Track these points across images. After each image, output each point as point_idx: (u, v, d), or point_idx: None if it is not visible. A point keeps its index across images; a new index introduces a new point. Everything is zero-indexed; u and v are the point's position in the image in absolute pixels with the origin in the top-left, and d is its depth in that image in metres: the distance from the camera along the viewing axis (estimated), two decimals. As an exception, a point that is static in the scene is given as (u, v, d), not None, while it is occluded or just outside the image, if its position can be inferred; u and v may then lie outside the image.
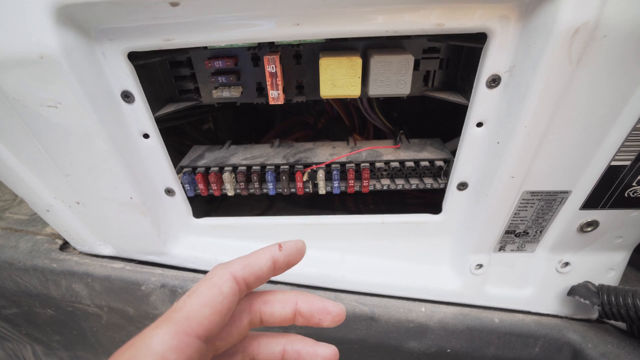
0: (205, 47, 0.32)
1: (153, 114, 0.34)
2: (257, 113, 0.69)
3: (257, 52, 0.33)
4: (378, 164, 0.38)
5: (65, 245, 0.44)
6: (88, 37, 0.28)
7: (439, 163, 0.37)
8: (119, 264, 0.41)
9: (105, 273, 0.40)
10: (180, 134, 0.57)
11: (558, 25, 0.23)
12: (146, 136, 0.35)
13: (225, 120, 0.67)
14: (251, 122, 0.70)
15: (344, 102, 0.51)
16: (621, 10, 0.22)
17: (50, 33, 0.25)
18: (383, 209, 0.57)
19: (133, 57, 0.30)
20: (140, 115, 0.33)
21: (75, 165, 0.33)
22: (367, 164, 0.38)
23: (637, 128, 0.28)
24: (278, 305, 0.24)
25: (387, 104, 0.58)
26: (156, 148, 0.35)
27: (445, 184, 0.38)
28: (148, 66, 0.34)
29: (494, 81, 0.29)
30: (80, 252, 0.43)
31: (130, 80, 0.30)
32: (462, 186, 0.36)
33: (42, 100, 0.28)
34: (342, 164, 0.38)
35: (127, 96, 0.31)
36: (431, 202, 0.48)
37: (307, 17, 0.26)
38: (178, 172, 0.39)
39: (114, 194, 0.36)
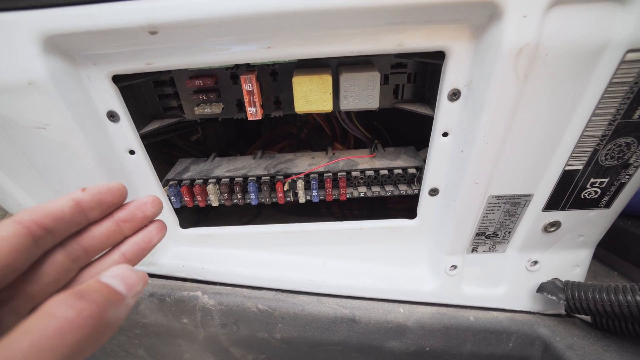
0: (186, 68, 0.34)
1: (138, 131, 0.36)
2: (245, 123, 0.71)
3: (236, 71, 0.35)
4: (354, 173, 0.40)
5: (55, 259, 0.45)
6: (73, 63, 0.29)
7: (412, 170, 0.40)
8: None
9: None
10: (170, 146, 0.58)
11: (503, 45, 0.26)
12: (132, 152, 0.36)
13: (215, 131, 0.69)
14: (239, 132, 0.72)
15: (324, 114, 0.53)
16: (557, 32, 0.25)
17: (38, 61, 0.27)
18: (366, 214, 0.59)
19: (117, 79, 0.32)
20: (126, 133, 0.35)
21: (64, 182, 0.35)
22: (344, 173, 0.40)
23: (584, 136, 0.30)
24: (95, 226, 0.24)
25: (369, 113, 0.60)
26: (142, 163, 0.37)
27: (419, 190, 0.40)
28: (132, 86, 0.35)
29: (455, 94, 0.31)
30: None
31: (115, 101, 0.32)
32: (434, 192, 0.39)
33: (30, 123, 0.30)
34: (320, 174, 0.40)
35: (112, 116, 0.33)
36: (412, 206, 0.51)
37: (276, 41, 0.28)
38: (164, 185, 0.41)
39: (101, 208, 0.37)
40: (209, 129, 0.67)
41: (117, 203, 0.25)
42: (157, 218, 0.28)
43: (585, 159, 0.32)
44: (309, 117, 0.58)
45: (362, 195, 0.40)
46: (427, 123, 0.35)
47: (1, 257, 0.19)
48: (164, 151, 0.56)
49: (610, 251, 0.50)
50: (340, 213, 0.60)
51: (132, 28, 0.26)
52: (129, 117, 0.34)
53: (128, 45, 0.28)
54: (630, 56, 0.26)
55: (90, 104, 0.32)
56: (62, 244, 0.23)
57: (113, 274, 0.20)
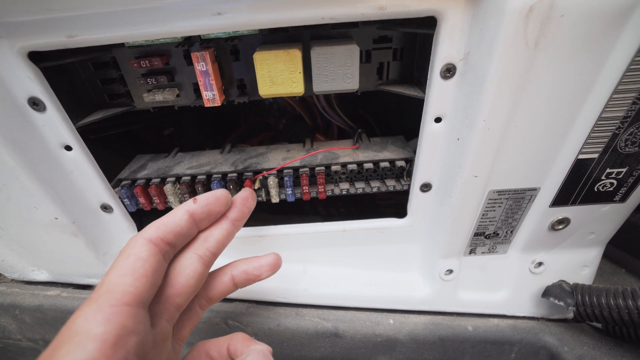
0: (123, 45, 0.28)
1: (74, 123, 0.30)
2: (224, 115, 0.65)
3: (189, 48, 0.30)
4: (334, 167, 0.34)
5: (-7, 273, 0.39)
6: (-28, 35, 0.23)
7: (400, 163, 0.34)
8: (54, 291, 0.37)
9: (36, 303, 0.36)
10: (138, 141, 0.52)
11: (510, 3, 0.20)
12: (68, 148, 0.30)
13: (190, 123, 0.63)
14: (217, 124, 0.66)
15: (304, 101, 0.48)
16: (577, -15, 0.20)
17: None
18: (354, 212, 0.54)
19: (37, 57, 0.26)
20: (57, 124, 0.29)
21: (-20, 184, 0.29)
22: (323, 168, 0.34)
23: (602, 118, 0.25)
24: (216, 229, 0.27)
25: (353, 100, 0.55)
26: (82, 161, 0.31)
27: (409, 186, 0.35)
28: (64, 68, 0.30)
29: (449, 71, 0.26)
30: (12, 280, 0.39)
31: (36, 85, 0.26)
32: (426, 187, 0.34)
33: None
34: (296, 169, 0.35)
35: (35, 104, 0.27)
36: (403, 203, 0.46)
37: (227, 5, 0.23)
38: (115, 186, 0.35)
39: (34, 214, 0.31)
40: (184, 122, 0.61)
41: (222, 212, 0.27)
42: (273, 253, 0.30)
43: (602, 145, 0.27)
44: (287, 106, 0.52)
45: (344, 192, 0.35)
46: (417, 109, 0.30)
47: (149, 278, 0.21)
48: (130, 147, 0.50)
49: (617, 246, 0.46)
50: (325, 211, 0.55)
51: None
52: (59, 105, 0.28)
53: (39, 11, 0.22)
54: (665, 16, 0.21)
55: (2, 87, 0.26)
56: (197, 251, 0.25)
57: None
